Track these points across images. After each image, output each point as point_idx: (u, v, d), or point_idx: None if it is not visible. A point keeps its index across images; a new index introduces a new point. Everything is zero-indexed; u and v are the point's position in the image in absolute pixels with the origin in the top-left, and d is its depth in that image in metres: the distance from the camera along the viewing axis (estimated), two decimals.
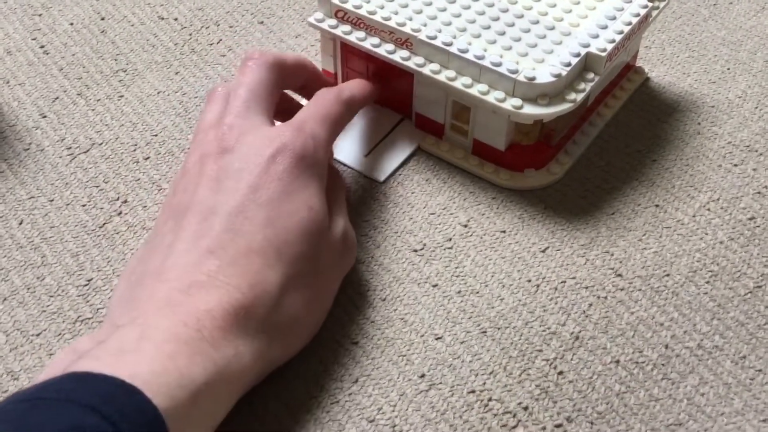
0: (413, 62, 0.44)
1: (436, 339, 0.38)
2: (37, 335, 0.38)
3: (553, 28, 0.44)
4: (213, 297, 0.32)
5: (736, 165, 0.46)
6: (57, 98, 0.49)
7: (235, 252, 0.34)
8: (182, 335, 0.31)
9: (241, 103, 0.38)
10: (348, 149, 0.46)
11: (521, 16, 0.45)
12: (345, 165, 0.46)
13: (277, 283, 0.34)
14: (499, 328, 0.39)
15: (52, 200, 0.44)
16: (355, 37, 0.45)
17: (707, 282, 0.41)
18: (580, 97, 0.42)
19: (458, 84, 0.43)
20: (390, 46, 0.44)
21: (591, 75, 0.43)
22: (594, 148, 0.47)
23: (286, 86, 0.42)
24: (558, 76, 0.41)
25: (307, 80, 0.44)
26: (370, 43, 0.45)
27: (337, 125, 0.40)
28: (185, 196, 0.36)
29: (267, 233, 0.34)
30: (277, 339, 0.34)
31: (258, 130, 0.37)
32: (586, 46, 0.43)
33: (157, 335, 0.30)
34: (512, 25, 0.45)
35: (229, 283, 0.33)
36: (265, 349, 0.33)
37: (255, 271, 0.33)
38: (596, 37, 0.43)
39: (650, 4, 0.46)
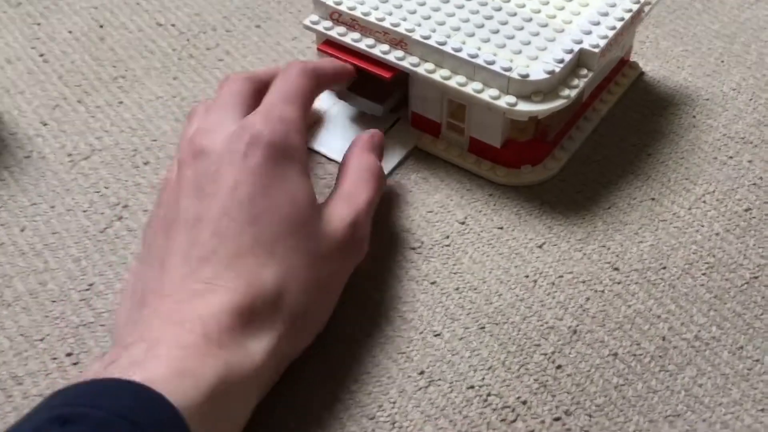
0: (408, 62, 0.44)
1: (435, 336, 0.39)
2: (41, 340, 0.39)
3: (546, 26, 0.45)
4: (214, 302, 0.33)
5: (731, 157, 0.46)
6: (57, 106, 0.50)
7: (226, 255, 0.34)
8: (189, 342, 0.31)
9: (216, 110, 0.39)
10: (345, 149, 0.47)
11: (514, 14, 0.45)
12: (328, 158, 0.46)
13: (274, 280, 0.34)
14: (497, 324, 0.39)
15: (54, 207, 0.45)
16: (351, 38, 0.45)
17: (704, 274, 0.41)
18: (573, 93, 0.42)
19: (453, 83, 0.43)
20: (385, 47, 0.45)
21: (584, 71, 0.43)
22: (589, 144, 0.47)
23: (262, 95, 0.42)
24: (551, 72, 0.42)
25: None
26: (365, 44, 0.45)
27: (306, 99, 0.40)
28: (169, 210, 0.36)
29: (253, 232, 0.34)
30: (286, 334, 0.34)
31: (226, 128, 0.38)
32: (579, 42, 0.43)
33: (165, 345, 0.31)
34: (505, 23, 0.45)
35: (226, 286, 0.33)
36: (275, 346, 0.33)
37: (249, 271, 0.34)
38: (589, 33, 0.44)
39: (642, 0, 0.46)
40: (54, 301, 0.40)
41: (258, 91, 0.41)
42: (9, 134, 0.48)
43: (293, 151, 0.37)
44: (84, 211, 0.44)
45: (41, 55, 0.53)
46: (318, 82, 0.42)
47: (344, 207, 0.38)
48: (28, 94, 0.51)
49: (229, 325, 0.32)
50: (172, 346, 0.31)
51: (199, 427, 0.29)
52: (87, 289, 0.41)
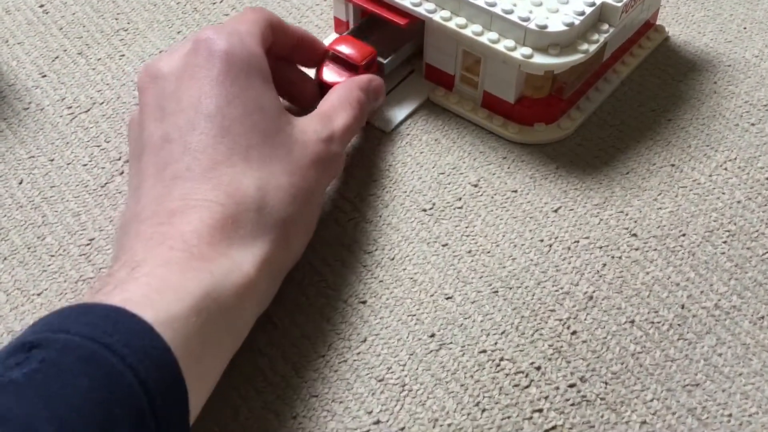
0: (424, 8, 0.42)
1: (447, 299, 0.37)
2: (38, 294, 0.38)
3: None
4: (194, 217, 0.31)
5: (753, 124, 0.45)
6: (57, 57, 0.48)
7: (200, 169, 0.33)
8: (171, 259, 0.30)
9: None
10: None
11: None
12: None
13: (255, 186, 0.33)
14: (510, 288, 0.38)
15: (53, 160, 0.43)
16: None
17: (724, 242, 0.40)
18: (593, 48, 0.41)
19: (468, 32, 0.41)
20: None
21: (606, 26, 0.42)
22: (607, 107, 0.46)
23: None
24: (570, 25, 0.40)
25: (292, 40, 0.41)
26: None
27: (262, 26, 0.38)
28: (137, 140, 0.35)
29: (226, 142, 0.33)
30: (275, 241, 0.33)
31: (179, 50, 0.36)
32: None
33: (148, 265, 0.30)
34: None
35: (205, 199, 0.32)
36: (265, 254, 0.32)
37: (227, 180, 0.33)
38: None
39: None
40: (52, 256, 0.39)
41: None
42: (7, 85, 0.47)
43: (253, 59, 0.36)
44: (84, 165, 0.43)
45: (41, 6, 0.51)
46: (280, 24, 0.40)
47: (319, 123, 0.37)
48: (28, 45, 0.49)
49: (212, 239, 0.31)
50: (154, 266, 0.30)
51: (190, 339, 0.28)
52: (87, 244, 0.39)
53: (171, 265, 0.30)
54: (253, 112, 0.34)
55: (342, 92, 0.39)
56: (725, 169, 0.43)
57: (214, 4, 0.52)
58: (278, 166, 0.34)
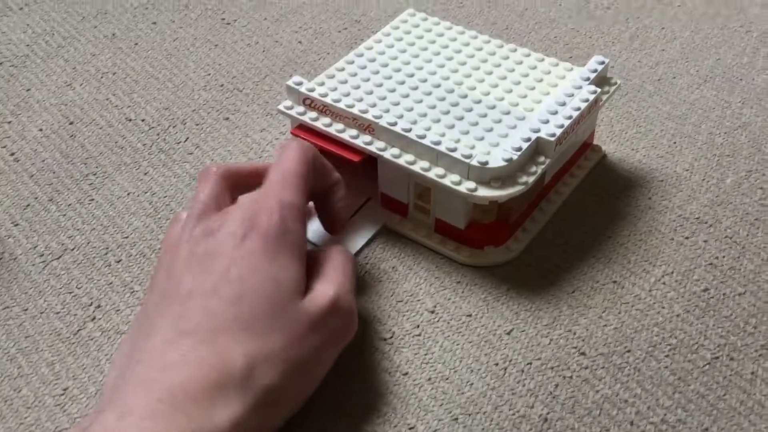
0: (375, 146, 0.46)
1: (410, 429, 0.39)
2: None
3: (508, 113, 0.47)
4: (186, 373, 0.34)
5: (687, 237, 0.48)
6: (28, 205, 0.51)
7: (206, 331, 0.36)
8: (158, 411, 0.33)
9: (209, 193, 0.41)
10: (316, 228, 0.48)
11: (479, 102, 0.47)
12: (313, 244, 0.47)
13: (245, 356, 0.35)
14: (469, 415, 0.40)
15: (26, 309, 0.45)
16: (322, 123, 0.47)
17: (667, 356, 0.42)
18: (531, 179, 0.44)
19: (417, 168, 0.45)
20: (354, 132, 0.46)
21: (542, 158, 0.45)
22: (552, 227, 0.49)
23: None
24: (509, 160, 0.43)
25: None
26: (335, 129, 0.47)
27: (304, 181, 0.41)
28: (171, 281, 0.38)
29: (235, 310, 0.36)
30: (255, 407, 0.35)
31: (233, 214, 0.40)
32: (537, 131, 0.45)
33: (135, 415, 0.33)
34: (470, 110, 0.47)
35: (200, 359, 0.35)
36: (242, 417, 0.34)
37: (224, 348, 0.35)
38: (546, 122, 0.46)
39: (599, 90, 0.48)
40: (29, 408, 0.40)
41: (235, 185, 0.43)
42: None
43: (289, 236, 0.39)
44: (57, 313, 0.45)
45: (12, 154, 0.54)
46: (315, 163, 0.43)
47: (325, 284, 0.40)
48: (0, 195, 0.51)
49: (197, 397, 0.34)
50: (141, 417, 0.32)
51: None
52: (62, 394, 0.41)
53: (156, 421, 0.32)
54: (269, 285, 0.37)
55: (331, 253, 0.42)
56: (663, 283, 0.46)
57: (179, 143, 0.55)
58: (276, 337, 0.36)
